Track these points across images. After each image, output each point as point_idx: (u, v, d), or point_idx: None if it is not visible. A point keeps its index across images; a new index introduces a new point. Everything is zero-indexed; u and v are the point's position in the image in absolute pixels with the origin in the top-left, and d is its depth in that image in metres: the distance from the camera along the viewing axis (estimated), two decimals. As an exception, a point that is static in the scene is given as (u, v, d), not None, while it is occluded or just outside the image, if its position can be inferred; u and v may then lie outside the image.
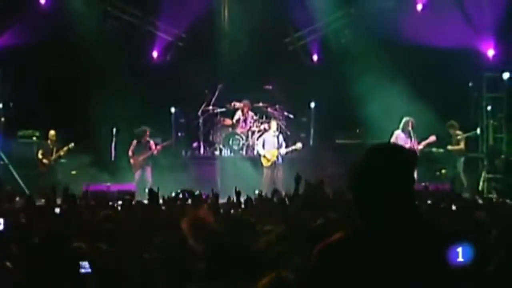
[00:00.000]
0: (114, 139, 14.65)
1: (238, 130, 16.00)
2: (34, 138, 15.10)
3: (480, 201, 8.87)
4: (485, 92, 15.04)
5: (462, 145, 13.72)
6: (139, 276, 4.55)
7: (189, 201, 7.93)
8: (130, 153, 14.41)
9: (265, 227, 5.11)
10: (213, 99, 16.25)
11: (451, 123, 13.94)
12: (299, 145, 14.34)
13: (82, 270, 4.37)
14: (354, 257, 2.66)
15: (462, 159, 13.73)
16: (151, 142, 14.59)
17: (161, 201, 8.18)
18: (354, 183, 2.74)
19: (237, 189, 8.58)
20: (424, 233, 2.71)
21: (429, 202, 8.16)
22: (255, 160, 14.66)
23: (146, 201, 8.15)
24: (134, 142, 14.47)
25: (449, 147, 13.81)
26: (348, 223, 3.35)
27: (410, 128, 13.38)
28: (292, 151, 14.35)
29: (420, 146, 13.39)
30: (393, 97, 14.57)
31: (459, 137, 13.75)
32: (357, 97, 15.14)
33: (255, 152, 15.20)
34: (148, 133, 14.51)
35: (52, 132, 14.51)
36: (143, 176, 14.25)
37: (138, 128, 14.65)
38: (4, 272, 4.56)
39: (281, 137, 14.43)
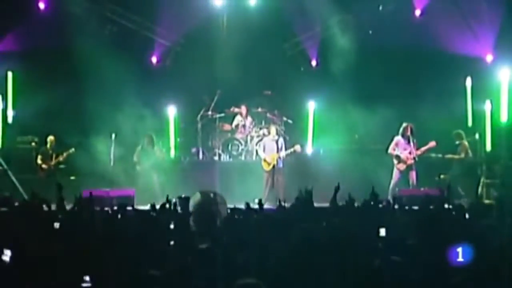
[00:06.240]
0: (113, 144, 14.62)
1: (237, 136, 16.01)
2: (33, 144, 15.07)
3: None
4: (483, 97, 15.03)
5: (463, 154, 13.74)
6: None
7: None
8: (135, 159, 14.40)
9: None
10: (212, 104, 16.26)
11: (458, 132, 13.95)
12: (297, 147, 14.32)
13: (84, 285, 4.35)
14: None
15: (459, 165, 13.75)
16: (156, 148, 14.58)
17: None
18: None
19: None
20: None
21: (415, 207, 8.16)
22: (254, 165, 14.64)
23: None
24: (139, 148, 14.44)
25: (448, 156, 13.81)
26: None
27: (409, 133, 13.38)
28: (291, 153, 14.33)
29: (420, 152, 13.39)
30: (391, 102, 14.59)
31: (458, 141, 13.78)
32: (356, 102, 15.17)
33: (255, 157, 15.21)
34: (153, 139, 14.50)
35: (51, 138, 14.47)
36: (150, 182, 14.19)
37: (137, 133, 14.68)
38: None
39: (281, 141, 14.40)
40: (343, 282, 4.11)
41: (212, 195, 10.59)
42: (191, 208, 7.52)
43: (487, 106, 14.71)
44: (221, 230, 6.30)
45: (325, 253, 4.35)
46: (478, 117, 14.92)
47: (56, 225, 6.75)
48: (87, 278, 4.37)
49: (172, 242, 5.79)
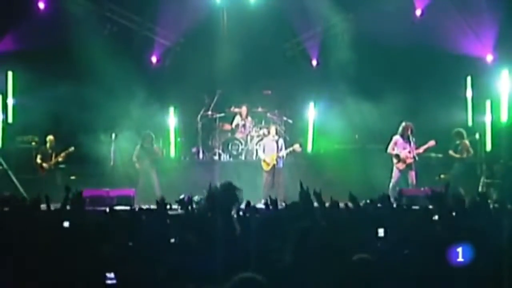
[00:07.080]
0: (113, 144, 14.61)
1: (237, 135, 16.02)
2: (33, 143, 15.06)
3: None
4: (484, 97, 15.03)
5: (465, 154, 13.75)
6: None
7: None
8: (134, 158, 14.39)
9: None
10: (212, 104, 16.26)
11: (458, 130, 13.93)
12: (297, 146, 14.31)
13: (108, 281, 4.30)
14: None
15: (460, 165, 13.76)
16: (155, 146, 14.57)
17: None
18: None
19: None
20: None
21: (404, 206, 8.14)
22: (254, 165, 14.64)
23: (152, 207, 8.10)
24: (138, 147, 14.44)
25: (451, 152, 13.84)
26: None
27: (409, 133, 13.36)
28: (291, 152, 14.33)
29: (420, 151, 13.38)
30: (391, 101, 14.58)
31: (458, 141, 13.79)
32: (356, 101, 15.16)
33: (255, 157, 15.21)
34: (152, 138, 14.48)
35: (50, 137, 14.45)
36: (149, 181, 14.18)
37: (137, 132, 14.68)
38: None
39: (280, 141, 14.41)
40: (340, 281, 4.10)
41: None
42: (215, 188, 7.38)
43: (487, 106, 14.71)
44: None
45: (323, 252, 4.35)
46: (478, 117, 14.92)
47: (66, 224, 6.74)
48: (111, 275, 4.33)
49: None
